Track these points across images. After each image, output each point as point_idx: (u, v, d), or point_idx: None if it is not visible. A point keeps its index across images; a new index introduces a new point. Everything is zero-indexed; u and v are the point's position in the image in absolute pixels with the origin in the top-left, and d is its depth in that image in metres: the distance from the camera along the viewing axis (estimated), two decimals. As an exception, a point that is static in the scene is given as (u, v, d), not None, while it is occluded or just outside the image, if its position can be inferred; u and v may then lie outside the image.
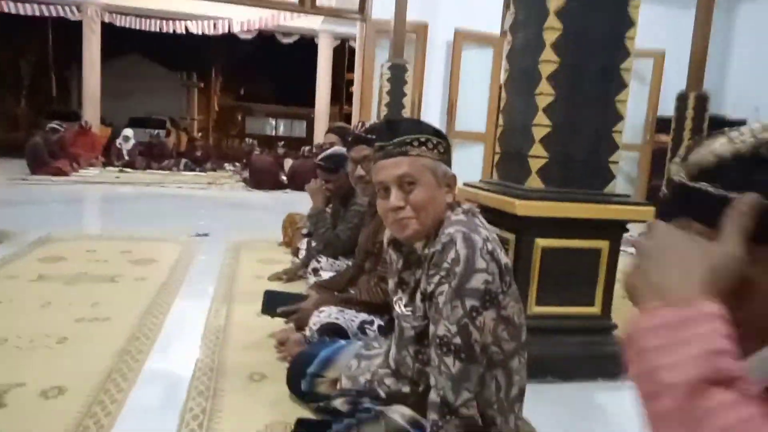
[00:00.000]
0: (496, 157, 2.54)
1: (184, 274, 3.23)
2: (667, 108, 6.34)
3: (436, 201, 1.32)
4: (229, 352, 2.15)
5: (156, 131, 13.37)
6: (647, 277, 0.51)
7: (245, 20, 10.71)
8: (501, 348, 1.33)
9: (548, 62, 2.15)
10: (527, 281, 2.17)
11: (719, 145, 0.54)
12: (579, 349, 2.21)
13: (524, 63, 2.29)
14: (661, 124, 6.68)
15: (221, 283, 3.08)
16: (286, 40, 12.88)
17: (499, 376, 1.34)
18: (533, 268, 2.16)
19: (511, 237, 2.22)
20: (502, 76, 2.53)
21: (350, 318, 2.02)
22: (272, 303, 2.34)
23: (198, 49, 18.46)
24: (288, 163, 8.96)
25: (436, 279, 1.25)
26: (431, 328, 1.27)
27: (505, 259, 1.30)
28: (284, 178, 8.45)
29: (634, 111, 7.13)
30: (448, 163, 1.39)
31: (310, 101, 13.03)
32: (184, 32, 11.20)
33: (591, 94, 2.17)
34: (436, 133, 1.37)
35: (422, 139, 1.32)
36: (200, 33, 11.21)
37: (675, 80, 6.31)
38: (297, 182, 7.30)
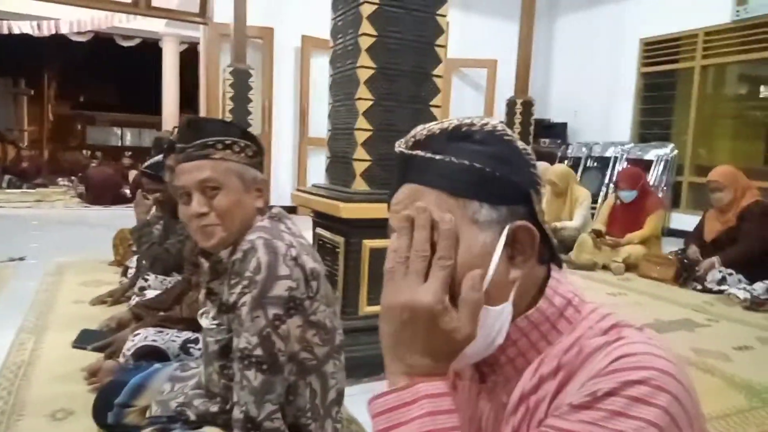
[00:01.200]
0: (327, 162, 2.55)
1: (-14, 305, 2.82)
2: (501, 114, 6.89)
3: (243, 206, 1.27)
4: (30, 390, 1.90)
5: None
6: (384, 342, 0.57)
7: (75, 21, 9.72)
8: (313, 353, 1.31)
9: (365, 68, 2.20)
10: (357, 282, 2.20)
11: (432, 124, 0.63)
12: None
13: (345, 68, 2.33)
14: (497, 128, 7.22)
15: (32, 311, 2.73)
16: (126, 44, 11.94)
17: (313, 382, 1.32)
18: (362, 269, 2.19)
19: (340, 240, 2.23)
20: (329, 81, 2.55)
21: (171, 338, 1.89)
22: (87, 340, 2.13)
23: (26, 53, 16.37)
24: (133, 174, 8.31)
25: (238, 289, 1.19)
26: (234, 341, 1.21)
27: (312, 264, 1.28)
28: (128, 191, 7.81)
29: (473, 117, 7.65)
30: (259, 166, 1.34)
31: (159, 109, 12.19)
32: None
33: (406, 98, 2.25)
34: (245, 135, 1.31)
35: (228, 142, 1.26)
36: (20, 33, 9.96)
37: (506, 87, 6.87)
38: (141, 195, 6.78)
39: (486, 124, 0.62)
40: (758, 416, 1.94)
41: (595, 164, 6.96)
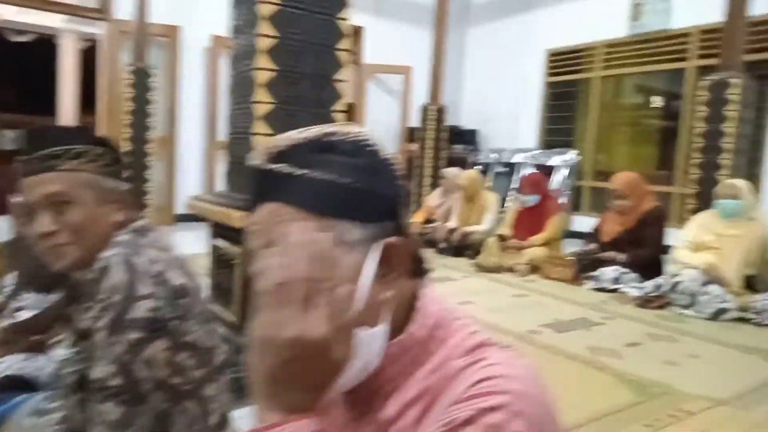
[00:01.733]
0: (227, 167, 2.44)
1: None
2: (416, 120, 6.99)
3: (98, 221, 1.15)
4: None
5: None
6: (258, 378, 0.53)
7: (-45, 11, 8.83)
8: (187, 377, 1.21)
9: (263, 70, 2.12)
10: (252, 296, 2.10)
11: (294, 134, 0.59)
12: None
13: (243, 70, 2.23)
14: (411, 134, 7.34)
15: None
16: (19, 39, 11.02)
17: (190, 408, 1.22)
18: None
19: (237, 251, 2.13)
20: (229, 83, 2.44)
21: (41, 366, 1.70)
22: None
23: None
24: (24, 181, 7.63)
25: (92, 313, 1.08)
26: (90, 371, 1.09)
27: (181, 280, 1.18)
28: (17, 198, 7.16)
29: (388, 122, 7.72)
30: (118, 175, 1.22)
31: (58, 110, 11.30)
32: None
33: (308, 103, 2.20)
34: (99, 142, 1.19)
35: (78, 150, 1.13)
36: None
37: (421, 94, 6.98)
38: (33, 203, 6.22)
39: (352, 133, 0.59)
40: (644, 410, 2.04)
41: (504, 170, 7.22)
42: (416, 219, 5.80)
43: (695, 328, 3.17)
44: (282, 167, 0.56)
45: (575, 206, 6.80)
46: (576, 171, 6.79)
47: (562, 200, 6.26)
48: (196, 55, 6.42)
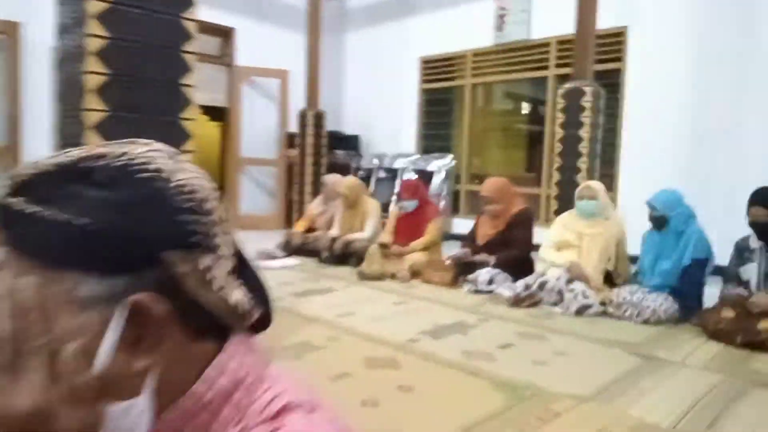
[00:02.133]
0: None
1: None
2: (295, 125, 6.82)
3: None
4: None
5: None
6: None
7: None
8: None
9: (94, 73, 1.86)
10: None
11: (45, 158, 0.47)
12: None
13: (71, 73, 1.95)
14: (291, 139, 7.15)
15: None
16: None
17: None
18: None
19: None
20: (56, 89, 2.13)
21: None
22: None
23: None
24: None
25: None
26: None
27: None
28: None
29: (267, 127, 7.46)
30: None
31: None
32: None
33: (150, 110, 1.97)
34: None
35: None
36: None
37: (299, 98, 6.82)
38: None
39: (122, 156, 0.46)
40: (515, 415, 2.06)
41: (386, 175, 7.27)
42: (298, 228, 5.64)
43: (562, 325, 3.33)
44: (15, 203, 0.44)
45: (454, 209, 7.01)
46: (453, 175, 7.01)
47: (442, 204, 6.42)
48: (42, 55, 5.75)
